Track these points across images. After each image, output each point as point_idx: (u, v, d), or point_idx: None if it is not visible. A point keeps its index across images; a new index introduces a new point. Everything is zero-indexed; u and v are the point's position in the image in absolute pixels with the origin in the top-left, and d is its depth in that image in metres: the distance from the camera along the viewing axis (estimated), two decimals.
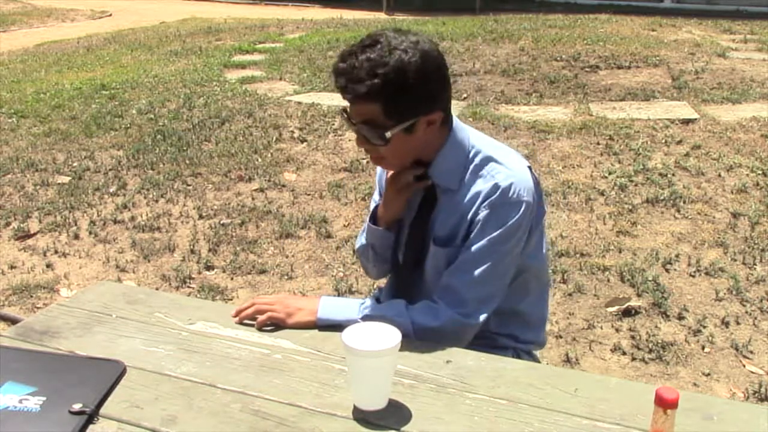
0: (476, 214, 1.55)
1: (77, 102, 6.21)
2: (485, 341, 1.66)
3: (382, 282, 1.93)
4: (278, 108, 5.60)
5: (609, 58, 6.59)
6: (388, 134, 1.51)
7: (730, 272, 3.30)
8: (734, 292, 3.17)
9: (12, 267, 3.64)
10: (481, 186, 1.55)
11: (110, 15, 13.60)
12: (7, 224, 4.08)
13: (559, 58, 6.66)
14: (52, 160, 4.93)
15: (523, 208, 1.53)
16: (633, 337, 2.92)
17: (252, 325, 1.56)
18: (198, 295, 3.30)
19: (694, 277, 3.30)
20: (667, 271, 3.35)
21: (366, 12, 12.58)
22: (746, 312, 3.05)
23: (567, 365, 2.77)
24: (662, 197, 3.96)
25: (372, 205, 1.80)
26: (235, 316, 1.59)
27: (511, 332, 1.73)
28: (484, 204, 1.54)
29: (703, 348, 2.85)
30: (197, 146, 4.99)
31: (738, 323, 2.99)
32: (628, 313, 3.06)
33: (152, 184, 4.44)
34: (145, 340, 1.51)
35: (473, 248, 1.55)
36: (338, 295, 3.27)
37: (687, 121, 4.95)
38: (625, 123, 4.94)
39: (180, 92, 6.24)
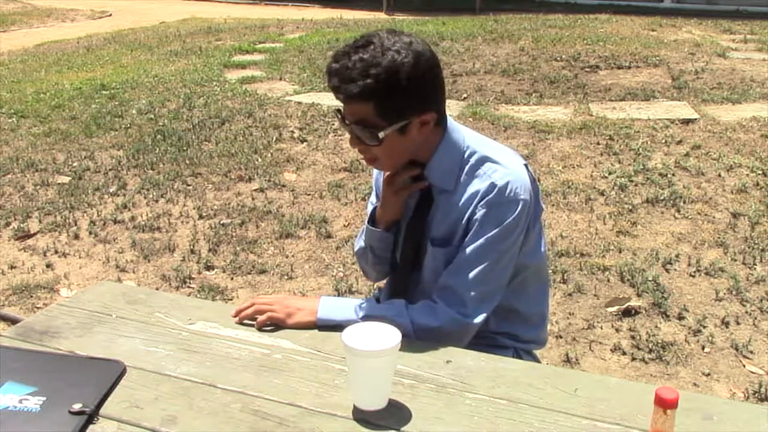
0: (473, 213, 1.55)
1: (77, 102, 6.21)
2: (485, 341, 1.66)
3: (383, 283, 1.93)
4: (278, 108, 5.61)
5: (609, 58, 6.59)
6: (381, 134, 1.51)
7: (730, 272, 3.30)
8: (734, 292, 3.17)
9: (12, 267, 3.64)
10: (478, 186, 1.56)
11: (110, 15, 13.61)
12: (7, 224, 4.08)
13: (559, 58, 6.66)
14: (52, 160, 4.93)
15: (520, 207, 1.53)
16: (633, 337, 2.92)
17: (252, 325, 1.56)
18: (198, 295, 3.30)
19: (694, 277, 3.30)
20: (667, 271, 3.35)
21: (366, 12, 12.58)
22: (746, 312, 3.05)
23: (567, 365, 2.77)
24: (662, 197, 3.96)
25: (369, 208, 1.81)
26: (235, 316, 1.59)
27: (511, 331, 1.73)
28: (481, 203, 1.54)
29: (703, 348, 2.85)
30: (197, 146, 4.99)
31: (738, 323, 2.99)
32: (628, 313, 3.06)
33: (152, 184, 4.44)
34: (145, 340, 1.51)
35: (471, 248, 1.55)
36: (338, 295, 3.27)
37: (687, 121, 4.95)
38: (625, 123, 4.94)
39: (180, 92, 6.24)
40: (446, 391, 1.33)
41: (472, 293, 1.56)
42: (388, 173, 1.66)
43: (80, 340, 1.52)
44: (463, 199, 1.58)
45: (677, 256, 3.45)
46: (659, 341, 2.87)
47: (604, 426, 1.23)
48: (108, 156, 4.94)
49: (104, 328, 1.56)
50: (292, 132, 5.11)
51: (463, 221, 1.57)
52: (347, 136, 1.63)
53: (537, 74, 6.22)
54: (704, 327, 2.96)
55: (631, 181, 4.15)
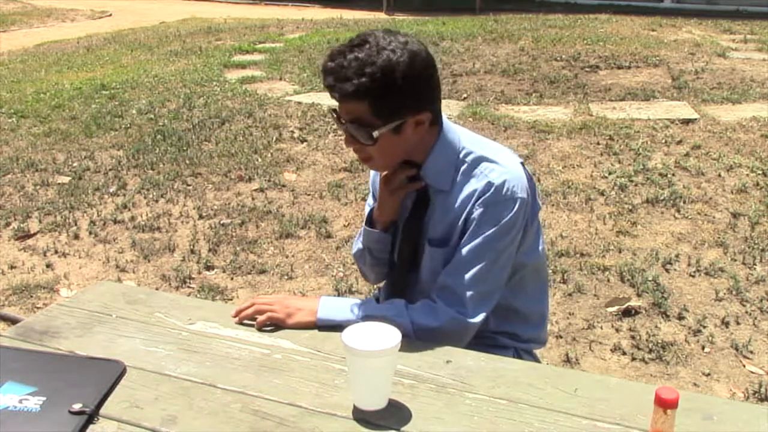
0: (471, 213, 1.55)
1: (77, 102, 6.21)
2: (485, 341, 1.66)
3: (382, 284, 1.94)
4: (278, 108, 5.61)
5: (609, 58, 6.59)
6: (376, 133, 1.51)
7: (730, 272, 3.30)
8: (734, 292, 3.17)
9: (12, 267, 3.64)
10: (475, 185, 1.56)
11: (110, 15, 13.61)
12: (7, 224, 4.08)
13: (559, 58, 6.66)
14: (52, 160, 4.93)
15: (517, 205, 1.53)
16: (633, 337, 2.92)
17: (252, 325, 1.56)
18: (198, 295, 3.30)
19: (694, 277, 3.30)
20: (667, 271, 3.35)
21: (366, 12, 12.59)
22: (746, 312, 3.05)
23: (567, 365, 2.77)
24: (662, 197, 3.96)
25: (366, 209, 1.81)
26: (234, 316, 1.59)
27: (510, 330, 1.73)
28: (478, 202, 1.54)
29: (703, 348, 2.85)
30: (197, 146, 4.99)
31: (738, 323, 2.99)
32: (628, 313, 3.06)
33: (152, 184, 4.44)
34: (145, 340, 1.51)
35: (469, 247, 1.55)
36: (338, 295, 3.27)
37: (687, 121, 4.95)
38: (625, 123, 4.94)
39: (180, 92, 6.24)
40: (446, 391, 1.33)
41: (471, 293, 1.56)
42: (384, 173, 1.66)
43: (80, 340, 1.52)
44: (459, 199, 1.58)
45: (677, 256, 3.45)
46: (659, 341, 2.87)
47: (604, 426, 1.23)
48: (108, 156, 4.94)
49: (104, 328, 1.56)
50: (292, 132, 5.11)
51: (461, 221, 1.57)
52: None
53: (537, 74, 6.22)
54: (704, 327, 2.96)
55: (631, 181, 4.15)
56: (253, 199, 4.23)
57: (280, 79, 6.71)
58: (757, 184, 4.08)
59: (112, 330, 1.56)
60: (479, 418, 1.26)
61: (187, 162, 4.72)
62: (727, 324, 2.98)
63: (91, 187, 4.47)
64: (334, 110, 1.57)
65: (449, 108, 5.37)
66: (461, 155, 1.60)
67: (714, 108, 5.25)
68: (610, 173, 4.24)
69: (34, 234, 3.98)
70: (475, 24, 8.90)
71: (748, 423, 1.26)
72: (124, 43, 9.50)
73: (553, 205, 3.95)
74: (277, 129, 5.18)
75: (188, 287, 3.42)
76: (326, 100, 5.59)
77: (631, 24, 8.57)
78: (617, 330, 2.97)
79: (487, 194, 1.53)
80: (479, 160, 1.58)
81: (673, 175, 4.20)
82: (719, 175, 4.19)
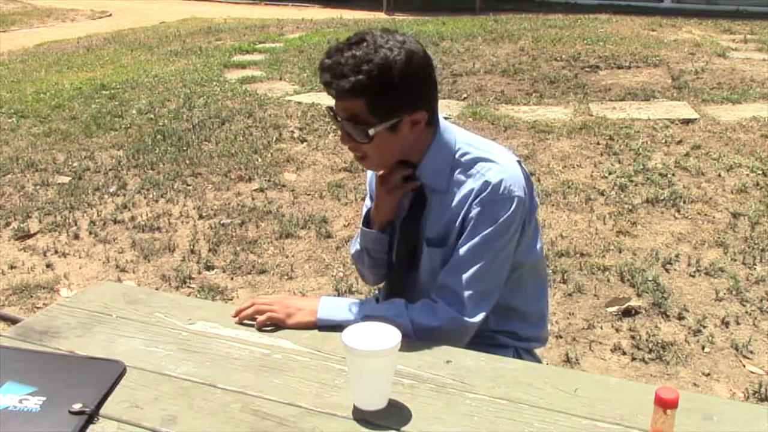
0: (468, 212, 1.55)
1: (77, 102, 6.21)
2: (485, 340, 1.66)
3: (382, 284, 1.93)
4: (278, 108, 5.61)
5: (609, 58, 6.59)
6: (372, 131, 1.51)
7: (730, 272, 3.30)
8: (734, 292, 3.17)
9: (12, 267, 3.64)
10: (471, 185, 1.56)
11: (110, 15, 13.61)
12: (7, 224, 4.08)
13: (559, 58, 6.66)
14: (52, 160, 4.93)
15: (515, 204, 1.53)
16: (633, 337, 2.92)
17: (252, 325, 1.56)
18: (198, 295, 3.30)
19: (694, 277, 3.30)
20: (667, 271, 3.35)
21: (366, 12, 12.59)
22: (746, 312, 3.05)
23: (567, 365, 2.77)
24: (662, 197, 3.96)
25: (364, 210, 1.81)
26: (234, 316, 1.59)
27: (510, 329, 1.73)
28: (475, 202, 1.54)
29: (703, 348, 2.85)
30: (197, 146, 4.99)
31: (738, 323, 2.99)
32: (628, 313, 3.06)
33: (152, 184, 4.44)
34: (145, 340, 1.51)
35: (467, 246, 1.55)
36: (338, 295, 3.27)
37: (687, 121, 4.95)
38: (625, 123, 4.94)
39: (180, 92, 6.24)
40: (446, 391, 1.33)
41: (471, 292, 1.55)
42: (381, 173, 1.66)
43: (80, 340, 1.51)
44: (456, 199, 1.58)
45: (677, 256, 3.45)
46: (659, 341, 2.87)
47: (604, 426, 1.23)
48: (108, 156, 4.94)
49: (104, 328, 1.56)
50: (292, 132, 5.11)
51: (458, 221, 1.57)
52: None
53: (537, 74, 6.22)
54: (704, 327, 2.96)
55: (631, 181, 4.15)
56: (253, 199, 4.23)
57: (280, 79, 6.71)
58: (757, 184, 4.08)
59: (112, 330, 1.55)
60: (479, 418, 1.26)
61: (187, 162, 4.72)
62: (727, 324, 2.98)
63: (91, 187, 4.47)
64: (331, 108, 1.57)
65: (449, 108, 5.37)
66: (457, 155, 1.60)
67: (714, 108, 5.25)
68: (610, 173, 4.24)
69: (34, 234, 3.98)
70: (475, 24, 8.90)
71: (748, 423, 1.26)
72: (124, 43, 9.50)
73: (553, 205, 3.95)
74: (277, 129, 5.18)
75: (188, 287, 3.42)
76: (326, 100, 5.57)
77: (631, 24, 8.57)
78: (617, 330, 2.97)
79: (485, 193, 1.53)
80: (476, 159, 1.58)
81: (673, 175, 4.20)
82: (719, 175, 4.19)
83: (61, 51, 9.27)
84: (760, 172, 4.21)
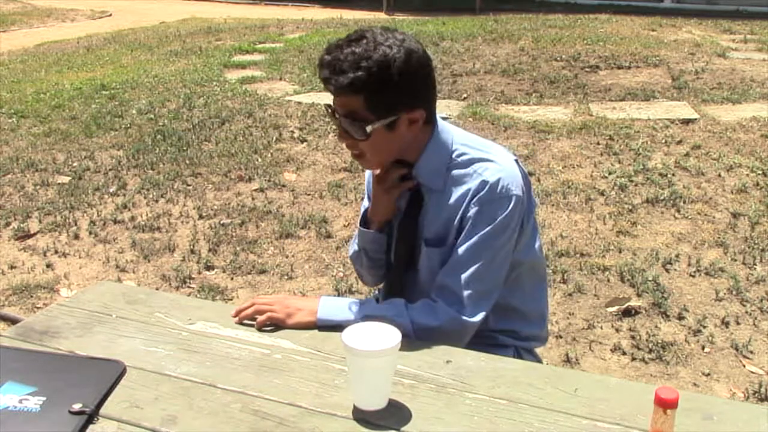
0: (466, 212, 1.55)
1: (77, 102, 6.21)
2: (485, 339, 1.66)
3: (381, 285, 1.94)
4: (278, 108, 5.61)
5: (609, 58, 6.59)
6: (369, 128, 1.51)
7: (730, 272, 3.30)
8: (734, 292, 3.17)
9: (12, 267, 3.64)
10: (469, 184, 1.56)
11: (110, 15, 13.61)
12: (7, 224, 4.08)
13: (559, 58, 6.66)
14: (52, 160, 4.93)
15: (513, 203, 1.53)
16: (633, 337, 2.92)
17: (252, 325, 1.56)
18: (198, 295, 3.30)
19: (694, 277, 3.30)
20: (667, 271, 3.35)
21: (366, 12, 12.59)
22: (746, 312, 3.05)
23: (567, 365, 2.77)
24: (662, 197, 3.96)
25: (362, 211, 1.81)
26: (234, 316, 1.59)
27: (510, 328, 1.73)
28: (473, 201, 1.54)
29: (703, 348, 2.85)
30: (197, 146, 4.99)
31: (738, 323, 2.99)
32: (628, 313, 3.06)
33: (152, 184, 4.44)
34: (145, 340, 1.51)
35: (466, 246, 1.55)
36: (338, 295, 3.27)
37: (687, 121, 4.95)
38: (625, 123, 4.94)
39: (180, 92, 6.24)
40: (446, 391, 1.33)
41: (470, 292, 1.55)
42: (377, 173, 1.66)
43: (80, 340, 1.51)
44: (453, 199, 1.58)
45: (677, 256, 3.45)
46: (659, 341, 2.87)
47: (604, 426, 1.23)
48: (108, 156, 4.94)
49: (104, 328, 1.56)
50: (292, 132, 5.11)
51: (456, 220, 1.57)
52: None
53: (537, 74, 6.22)
54: (704, 327, 2.96)
55: (631, 181, 4.15)
56: (253, 199, 4.23)
57: (280, 79, 6.71)
58: (757, 184, 4.08)
59: (112, 330, 1.55)
60: (479, 418, 1.26)
61: (187, 162, 4.72)
62: (727, 324, 2.98)
63: (91, 187, 4.47)
64: (329, 105, 1.57)
65: (449, 108, 5.37)
66: (454, 154, 1.60)
67: (714, 108, 5.25)
68: (610, 173, 4.24)
69: (34, 234, 3.98)
70: (475, 24, 8.90)
71: (748, 423, 1.26)
72: (124, 43, 9.50)
73: (553, 205, 3.95)
74: (277, 129, 5.18)
75: (188, 287, 3.42)
76: (326, 100, 5.57)
77: (631, 24, 8.57)
78: (617, 330, 2.97)
79: (482, 193, 1.53)
80: (473, 159, 1.58)
81: (673, 175, 4.20)
82: (719, 175, 4.19)
83: (61, 51, 9.27)
84: (760, 172, 4.21)
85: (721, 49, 7.08)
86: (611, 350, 2.85)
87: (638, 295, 3.17)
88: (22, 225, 4.05)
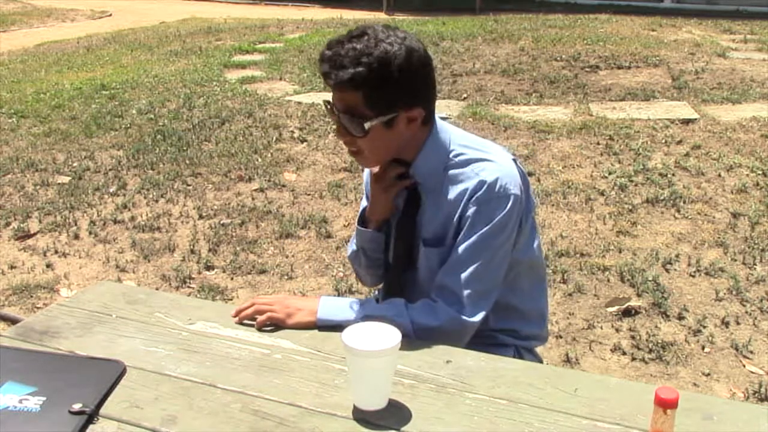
0: (464, 211, 1.55)
1: (77, 102, 6.21)
2: (485, 339, 1.66)
3: (380, 285, 1.94)
4: (278, 108, 5.61)
5: (609, 58, 6.59)
6: (368, 125, 1.51)
7: (730, 272, 3.30)
8: (734, 292, 3.17)
9: (12, 267, 3.64)
10: (466, 184, 1.56)
11: (110, 15, 13.61)
12: (7, 224, 4.08)
13: (559, 58, 6.66)
14: (52, 160, 4.93)
15: (511, 202, 1.53)
16: (633, 337, 2.92)
17: (252, 325, 1.56)
18: (198, 295, 3.30)
19: (694, 277, 3.30)
20: (667, 271, 3.35)
21: (366, 12, 12.59)
22: (746, 312, 3.05)
23: (567, 365, 2.77)
24: (662, 197, 3.96)
25: (360, 210, 1.81)
26: (234, 316, 1.59)
27: (510, 327, 1.73)
28: (471, 201, 1.54)
29: (703, 348, 2.85)
30: (197, 146, 4.99)
31: (738, 323, 2.99)
32: (628, 313, 3.06)
33: (152, 184, 4.44)
34: (145, 340, 1.51)
35: (464, 246, 1.55)
36: (338, 295, 3.27)
37: (687, 121, 4.95)
38: (625, 123, 4.94)
39: (180, 92, 6.24)
40: (446, 391, 1.33)
41: (469, 291, 1.55)
42: (375, 172, 1.66)
43: (80, 340, 1.51)
44: (451, 198, 1.58)
45: (677, 256, 3.45)
46: (659, 341, 2.87)
47: (604, 426, 1.23)
48: (108, 156, 4.94)
49: (104, 328, 1.56)
50: (292, 132, 5.11)
51: (454, 220, 1.57)
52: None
53: (537, 74, 6.22)
54: (704, 327, 2.96)
55: (631, 181, 4.15)
56: (253, 199, 4.23)
57: (280, 79, 6.71)
58: (757, 184, 4.08)
59: (112, 330, 1.55)
60: (479, 418, 1.26)
61: (187, 162, 4.72)
62: (727, 324, 2.98)
63: (91, 187, 4.47)
64: (328, 101, 1.57)
65: (449, 108, 5.37)
66: (452, 154, 1.60)
67: (714, 108, 5.25)
68: (610, 173, 4.24)
69: (34, 234, 3.98)
70: (475, 24, 8.90)
71: (748, 423, 1.26)
72: (124, 43, 9.50)
73: (553, 205, 3.95)
74: (277, 129, 5.18)
75: (188, 287, 3.42)
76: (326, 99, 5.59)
77: (631, 24, 8.57)
78: (617, 330, 2.97)
79: (480, 192, 1.53)
80: (470, 158, 1.58)
81: (673, 175, 4.20)
82: (719, 175, 4.19)
83: (61, 51, 9.27)
84: (760, 172, 4.21)
85: (721, 49, 7.08)
86: (611, 350, 2.85)
87: (638, 295, 3.17)
88: (22, 225, 4.05)
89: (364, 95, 1.49)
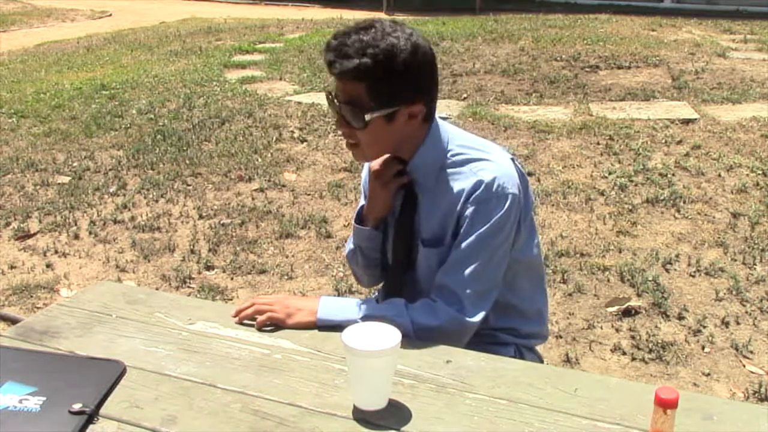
0: (463, 211, 1.55)
1: (77, 102, 6.21)
2: (485, 338, 1.66)
3: (380, 285, 1.93)
4: (278, 108, 5.61)
5: (609, 58, 6.59)
6: (368, 117, 1.51)
7: (730, 272, 3.30)
8: (734, 292, 3.17)
9: (12, 267, 3.64)
10: (464, 183, 1.55)
11: (110, 15, 13.61)
12: (7, 224, 4.08)
13: (559, 58, 6.66)
14: (52, 160, 4.93)
15: (509, 201, 1.53)
16: (633, 337, 2.92)
17: (252, 325, 1.56)
18: (198, 295, 3.30)
19: (694, 277, 3.30)
20: (667, 271, 3.35)
21: (366, 12, 12.58)
22: (746, 312, 3.05)
23: (567, 365, 2.77)
24: (662, 197, 3.96)
25: (358, 208, 1.81)
26: (234, 316, 1.59)
27: (510, 326, 1.73)
28: (469, 201, 1.54)
29: (703, 348, 2.85)
30: (197, 146, 4.99)
31: (738, 323, 2.99)
32: (628, 313, 3.06)
33: (152, 184, 4.44)
34: (145, 340, 1.51)
35: (463, 246, 1.55)
36: (338, 295, 3.27)
37: (687, 121, 4.95)
38: (625, 123, 4.94)
39: (180, 92, 6.24)
40: (446, 391, 1.33)
41: (469, 291, 1.55)
42: (375, 169, 1.66)
43: (80, 340, 1.51)
44: (448, 198, 1.57)
45: (677, 256, 3.45)
46: (659, 341, 2.87)
47: (604, 426, 1.23)
48: (108, 156, 4.94)
49: (104, 328, 1.56)
50: (292, 132, 5.11)
51: (453, 220, 1.57)
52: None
53: (537, 74, 6.22)
54: (704, 327, 2.96)
55: (631, 181, 4.15)
56: (253, 199, 4.23)
57: (280, 79, 6.71)
58: (757, 184, 4.08)
59: (112, 330, 1.55)
60: (479, 418, 1.26)
61: (187, 162, 4.72)
62: (727, 324, 2.98)
63: (91, 187, 4.47)
64: (330, 92, 1.57)
65: (449, 108, 5.37)
66: (450, 153, 1.60)
67: (714, 108, 5.25)
68: (610, 173, 4.24)
69: (34, 234, 3.98)
70: (475, 24, 8.90)
71: (748, 423, 1.25)
72: (124, 43, 9.50)
73: (553, 205, 3.95)
74: (277, 129, 5.18)
75: (188, 287, 3.42)
76: (326, 100, 5.58)
77: (631, 24, 8.57)
78: (617, 330, 2.97)
79: (478, 192, 1.53)
80: (468, 158, 1.58)
81: (673, 175, 4.20)
82: (719, 175, 4.19)
83: (61, 51, 9.27)
84: (760, 172, 4.21)
85: (721, 49, 7.08)
86: (611, 350, 2.85)
87: (638, 295, 3.17)
88: (22, 225, 4.05)
89: (367, 87, 1.49)
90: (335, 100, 1.55)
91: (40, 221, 4.10)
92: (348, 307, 1.58)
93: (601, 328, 2.99)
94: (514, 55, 6.86)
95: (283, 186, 4.36)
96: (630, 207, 3.89)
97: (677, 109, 5.23)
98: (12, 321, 3.04)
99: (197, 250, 3.73)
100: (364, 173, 1.80)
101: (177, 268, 3.55)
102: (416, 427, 1.23)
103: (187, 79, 6.72)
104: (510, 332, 1.73)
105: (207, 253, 3.70)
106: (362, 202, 1.80)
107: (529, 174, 4.13)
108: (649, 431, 1.16)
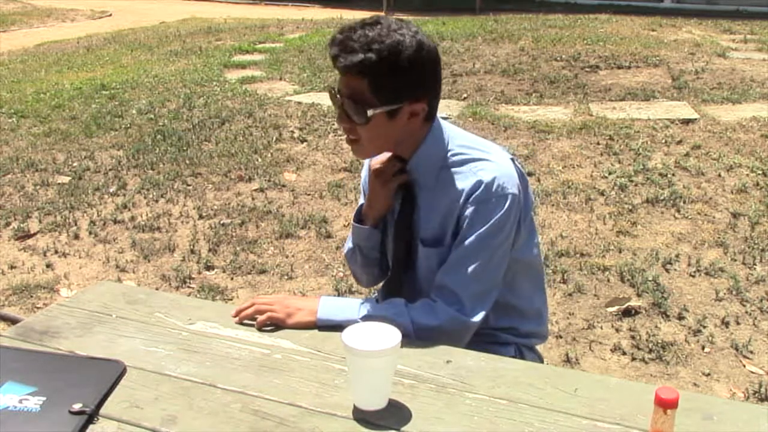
0: (462, 211, 1.55)
1: (77, 102, 6.21)
2: (485, 338, 1.66)
3: (379, 285, 1.93)
4: (278, 108, 5.61)
5: (609, 58, 6.59)
6: (370, 112, 1.51)
7: (730, 272, 3.30)
8: (734, 292, 3.17)
9: (12, 267, 3.64)
10: (464, 183, 1.55)
11: (110, 15, 13.62)
12: (7, 224, 4.08)
13: (559, 58, 6.66)
14: (52, 160, 4.93)
15: (509, 201, 1.53)
16: (633, 337, 2.92)
17: (252, 325, 1.56)
18: (198, 295, 3.30)
19: (694, 277, 3.30)
20: (667, 271, 3.35)
21: (366, 12, 12.58)
22: (746, 312, 3.05)
23: (567, 365, 2.77)
24: (662, 197, 3.96)
25: (357, 207, 1.81)
26: (234, 316, 1.59)
27: (509, 326, 1.73)
28: (469, 201, 1.54)
29: (703, 348, 2.85)
30: (197, 146, 4.99)
31: (738, 323, 2.99)
32: (628, 313, 3.06)
33: (152, 184, 4.44)
34: (145, 340, 1.51)
35: (463, 246, 1.55)
36: (338, 295, 3.27)
37: (687, 121, 4.95)
38: (625, 123, 4.94)
39: (180, 92, 6.24)
40: (446, 391, 1.33)
41: (469, 292, 1.55)
42: (375, 167, 1.66)
43: (80, 340, 1.51)
44: (448, 198, 1.57)
45: (677, 256, 3.45)
46: (659, 341, 2.87)
47: (604, 426, 1.23)
48: (108, 156, 4.94)
49: (104, 328, 1.56)
50: (292, 132, 5.11)
51: (453, 220, 1.57)
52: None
53: (537, 74, 6.22)
54: (704, 327, 2.96)
55: (631, 181, 4.15)
56: (253, 199, 4.23)
57: (280, 79, 6.71)
58: (757, 184, 4.08)
59: (112, 330, 1.55)
60: (479, 418, 1.25)
61: (187, 162, 4.72)
62: (727, 324, 2.98)
63: (91, 187, 4.47)
64: (332, 87, 1.57)
65: (449, 108, 5.37)
66: (450, 153, 1.60)
67: (714, 108, 5.25)
68: (610, 173, 4.24)
69: (34, 234, 3.98)
70: (475, 24, 8.91)
71: (748, 423, 1.25)
72: (124, 43, 9.50)
73: (553, 205, 3.95)
74: (277, 129, 5.18)
75: (188, 287, 3.42)
76: (326, 100, 5.59)
77: (631, 24, 8.57)
78: (617, 330, 2.97)
79: (478, 192, 1.53)
80: (468, 157, 1.58)
81: (673, 175, 4.20)
82: (719, 175, 4.19)
83: (61, 51, 9.27)
84: (760, 172, 4.21)
85: (721, 49, 7.08)
86: (611, 350, 2.85)
87: (638, 295, 3.17)
88: (22, 225, 4.05)
89: (370, 82, 1.49)
90: (338, 95, 1.55)
91: (40, 221, 4.11)
92: (348, 307, 1.58)
93: (601, 328, 2.99)
94: (514, 55, 6.86)
95: (283, 186, 4.36)
96: (630, 207, 3.89)
97: (677, 109, 5.23)
98: (12, 321, 3.04)
99: (197, 250, 3.73)
100: (364, 172, 1.80)
101: (177, 268, 3.55)
102: (416, 427, 1.23)
103: (187, 79, 6.72)
104: (510, 332, 1.73)
105: (207, 253, 3.70)
106: (362, 201, 1.80)
107: (529, 174, 4.13)
108: (649, 431, 1.16)
